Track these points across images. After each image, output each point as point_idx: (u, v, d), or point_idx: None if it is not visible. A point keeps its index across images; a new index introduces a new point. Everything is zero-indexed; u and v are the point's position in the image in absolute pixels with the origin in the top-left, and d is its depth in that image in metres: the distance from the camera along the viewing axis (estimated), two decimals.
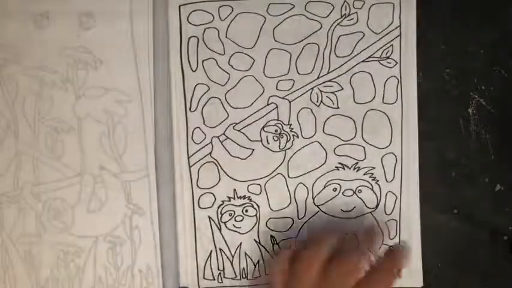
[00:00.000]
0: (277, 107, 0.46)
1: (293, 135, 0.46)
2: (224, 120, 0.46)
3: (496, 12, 0.46)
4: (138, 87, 0.46)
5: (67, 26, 0.46)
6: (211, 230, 0.47)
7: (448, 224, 0.47)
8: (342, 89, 0.46)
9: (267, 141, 0.46)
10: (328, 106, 0.46)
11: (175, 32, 0.46)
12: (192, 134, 0.46)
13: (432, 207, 0.47)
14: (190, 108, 0.46)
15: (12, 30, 0.46)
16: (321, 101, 0.46)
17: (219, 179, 0.47)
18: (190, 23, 0.46)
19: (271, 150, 0.46)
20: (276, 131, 0.46)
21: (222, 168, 0.47)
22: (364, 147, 0.46)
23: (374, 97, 0.46)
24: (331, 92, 0.46)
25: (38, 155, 0.47)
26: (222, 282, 0.47)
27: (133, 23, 0.46)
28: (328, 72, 0.46)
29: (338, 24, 0.46)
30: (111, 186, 0.47)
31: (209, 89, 0.46)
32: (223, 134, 0.46)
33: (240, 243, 0.47)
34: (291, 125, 0.46)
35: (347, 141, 0.46)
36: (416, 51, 0.46)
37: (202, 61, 0.46)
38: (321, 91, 0.46)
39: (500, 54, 0.46)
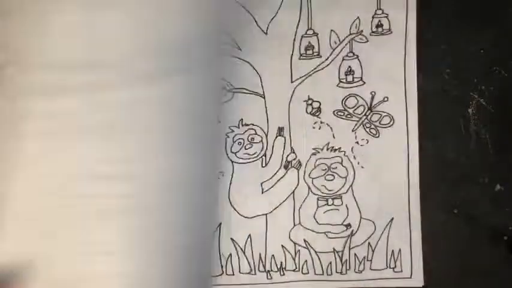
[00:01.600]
0: None
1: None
2: None
3: (496, 12, 0.46)
4: None
5: None
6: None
7: (448, 224, 0.47)
8: None
9: None
10: None
11: None
12: None
13: (432, 207, 0.47)
14: None
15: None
16: None
17: None
18: None
19: None
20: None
21: None
22: None
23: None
24: None
25: None
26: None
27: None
28: None
29: None
30: None
31: None
32: None
33: None
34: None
35: None
36: (417, 51, 0.46)
37: None
38: None
39: (500, 54, 0.46)
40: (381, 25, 0.46)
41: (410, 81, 0.46)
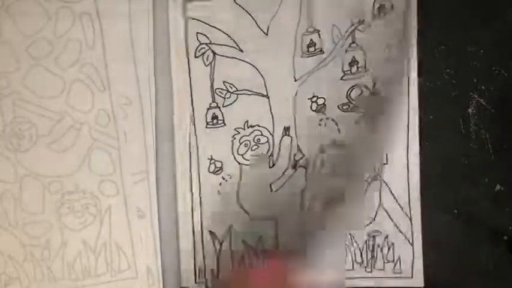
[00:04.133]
0: None
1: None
2: None
3: (496, 12, 0.46)
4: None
5: None
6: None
7: (448, 224, 0.47)
8: None
9: None
10: None
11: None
12: None
13: (432, 207, 0.47)
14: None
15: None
16: None
17: None
18: None
19: None
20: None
21: None
22: None
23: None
24: None
25: None
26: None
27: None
28: None
29: None
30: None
31: None
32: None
33: None
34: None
35: None
36: (417, 51, 0.46)
37: None
38: None
39: (500, 54, 0.46)
40: (383, 6, 0.46)
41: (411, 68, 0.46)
